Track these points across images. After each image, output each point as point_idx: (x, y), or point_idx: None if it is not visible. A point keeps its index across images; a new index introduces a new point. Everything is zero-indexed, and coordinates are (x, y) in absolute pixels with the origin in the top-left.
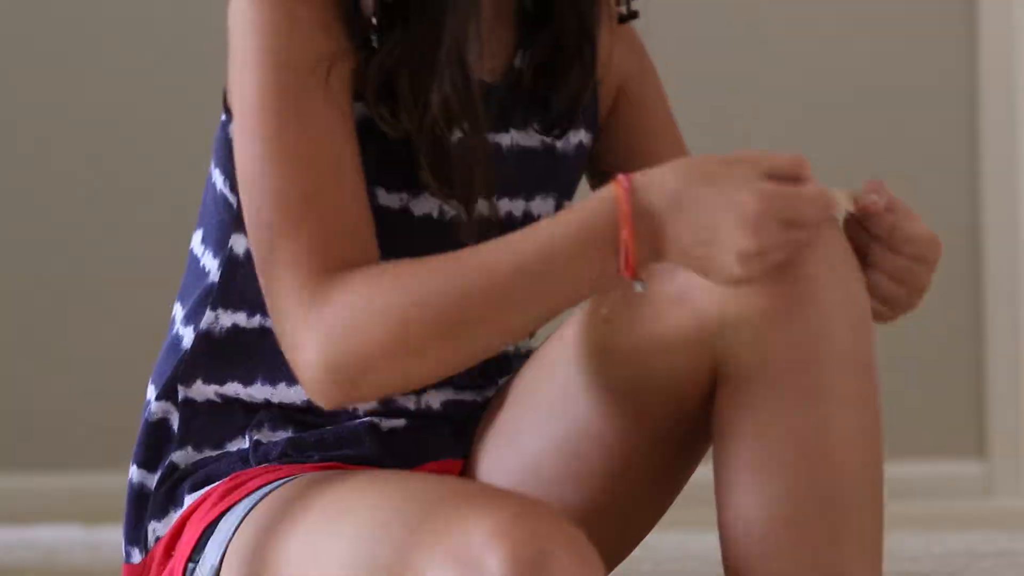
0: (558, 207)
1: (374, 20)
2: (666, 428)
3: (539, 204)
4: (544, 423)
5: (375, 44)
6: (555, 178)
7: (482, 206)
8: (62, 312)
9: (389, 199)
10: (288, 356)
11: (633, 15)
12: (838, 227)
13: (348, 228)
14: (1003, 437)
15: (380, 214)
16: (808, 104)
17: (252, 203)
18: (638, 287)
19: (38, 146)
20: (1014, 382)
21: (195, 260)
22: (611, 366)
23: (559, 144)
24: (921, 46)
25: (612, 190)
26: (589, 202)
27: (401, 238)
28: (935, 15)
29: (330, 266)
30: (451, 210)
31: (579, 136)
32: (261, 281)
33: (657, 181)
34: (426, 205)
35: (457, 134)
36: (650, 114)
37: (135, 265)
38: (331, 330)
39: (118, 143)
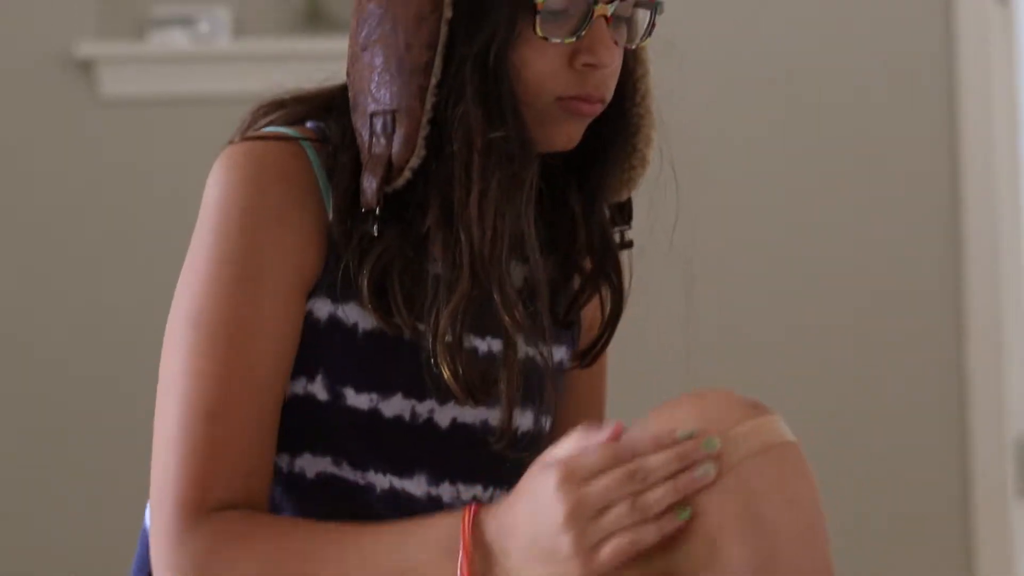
0: (536, 421)
1: (376, 211)
2: None
3: (518, 415)
4: None
5: (375, 233)
6: (537, 390)
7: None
8: (67, 448)
9: (358, 400)
10: (154, 565)
11: (628, 244)
12: (790, 442)
13: (240, 458)
14: (992, 561)
15: (349, 416)
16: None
17: (161, 403)
18: None
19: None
20: (1000, 501)
21: None
22: None
23: (540, 358)
24: (900, 107)
25: (461, 514)
26: (442, 520)
27: (370, 441)
28: (914, 79)
29: (209, 502)
30: (424, 413)
31: (561, 353)
32: (152, 478)
33: (498, 511)
34: (396, 406)
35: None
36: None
37: (130, 406)
38: None
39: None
